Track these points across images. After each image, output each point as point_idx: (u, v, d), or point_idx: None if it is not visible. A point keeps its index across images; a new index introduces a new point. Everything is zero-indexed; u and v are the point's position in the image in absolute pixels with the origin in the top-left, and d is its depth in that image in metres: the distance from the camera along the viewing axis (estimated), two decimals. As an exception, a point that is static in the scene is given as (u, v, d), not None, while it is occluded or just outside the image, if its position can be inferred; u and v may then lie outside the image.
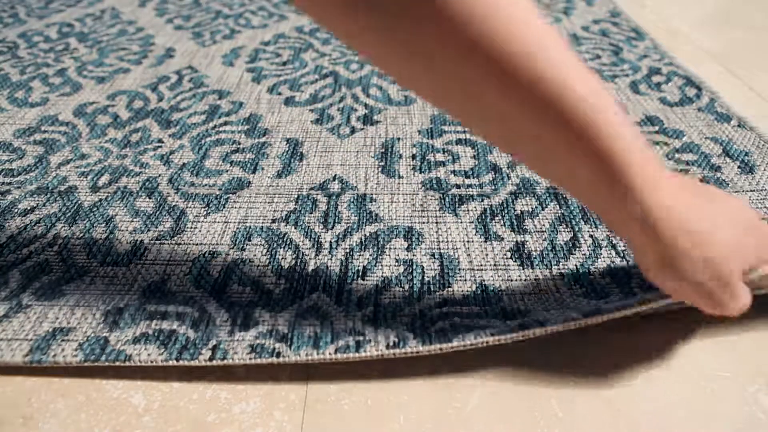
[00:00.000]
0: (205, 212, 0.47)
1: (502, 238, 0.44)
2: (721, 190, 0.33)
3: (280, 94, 0.66)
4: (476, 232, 0.44)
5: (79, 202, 0.48)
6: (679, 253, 0.29)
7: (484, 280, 0.40)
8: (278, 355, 0.33)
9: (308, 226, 0.45)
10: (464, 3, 0.25)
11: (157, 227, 0.45)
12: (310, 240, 0.44)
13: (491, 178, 0.50)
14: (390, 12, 0.25)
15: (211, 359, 0.33)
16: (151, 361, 0.33)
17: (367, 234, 0.44)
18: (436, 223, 0.45)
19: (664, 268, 0.30)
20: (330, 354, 0.33)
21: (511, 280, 0.40)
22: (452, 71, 0.27)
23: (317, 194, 0.49)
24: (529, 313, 0.36)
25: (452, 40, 0.26)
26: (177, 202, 0.48)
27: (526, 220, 0.45)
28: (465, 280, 0.40)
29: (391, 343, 0.33)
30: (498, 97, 0.27)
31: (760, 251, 0.32)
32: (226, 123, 0.60)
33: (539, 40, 0.26)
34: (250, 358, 0.33)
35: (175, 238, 0.44)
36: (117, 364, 0.34)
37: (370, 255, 0.42)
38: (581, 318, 0.34)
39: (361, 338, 0.34)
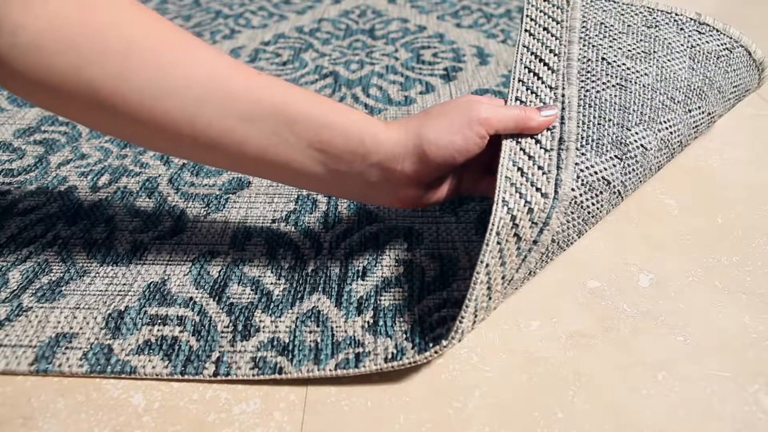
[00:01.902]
0: (205, 212, 0.47)
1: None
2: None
3: (280, 94, 0.66)
4: (476, 232, 0.44)
5: (79, 202, 0.48)
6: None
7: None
8: (280, 370, 0.33)
9: (308, 227, 0.45)
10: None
11: (157, 227, 0.45)
12: (309, 240, 0.44)
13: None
14: None
15: (215, 374, 0.33)
16: (156, 375, 0.33)
17: (367, 234, 0.44)
18: (436, 223, 0.45)
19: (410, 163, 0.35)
20: (330, 370, 0.33)
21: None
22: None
23: (317, 194, 0.49)
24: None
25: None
26: (177, 202, 0.48)
27: (526, 220, 0.45)
28: (464, 279, 0.40)
29: (390, 356, 0.33)
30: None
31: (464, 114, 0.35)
32: (226, 123, 0.60)
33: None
34: (254, 374, 0.33)
35: (175, 238, 0.44)
36: (123, 377, 0.34)
37: (370, 255, 0.42)
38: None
39: (360, 350, 0.34)
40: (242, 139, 0.31)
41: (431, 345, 0.33)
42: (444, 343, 0.31)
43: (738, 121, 0.59)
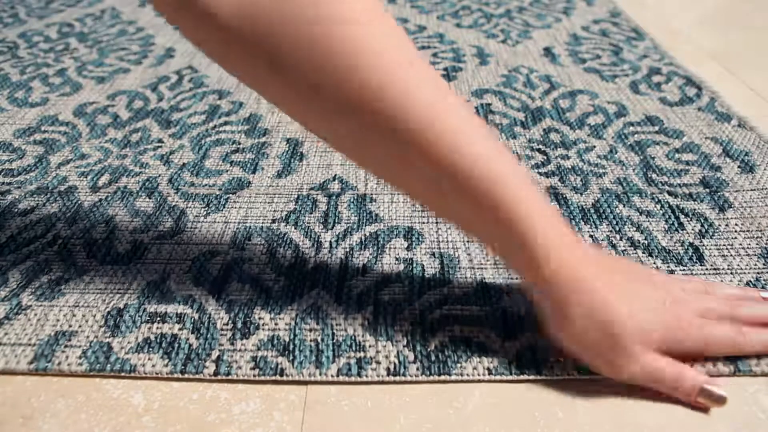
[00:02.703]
0: (205, 212, 0.47)
1: (502, 238, 0.43)
2: (641, 266, 0.35)
3: (280, 94, 0.66)
4: (476, 232, 0.44)
5: (79, 202, 0.48)
6: (569, 311, 0.30)
7: (484, 278, 0.40)
8: (281, 372, 0.33)
9: (308, 226, 0.45)
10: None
11: (157, 227, 0.45)
12: (310, 240, 0.44)
13: (491, 178, 0.50)
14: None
15: (215, 374, 0.33)
16: (156, 373, 0.34)
17: (367, 234, 0.44)
18: (436, 222, 0.45)
19: (559, 326, 0.31)
20: (332, 376, 0.33)
21: (512, 279, 0.40)
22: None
23: (317, 194, 0.49)
24: (527, 327, 0.36)
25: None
26: (177, 202, 0.48)
27: (526, 220, 0.45)
28: (465, 278, 0.40)
29: (392, 368, 0.34)
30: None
31: (676, 325, 0.31)
32: (226, 123, 0.60)
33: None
34: (254, 375, 0.33)
35: (175, 238, 0.44)
36: (122, 375, 0.34)
37: (370, 255, 0.42)
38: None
39: (361, 355, 0.34)
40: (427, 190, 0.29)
41: (433, 358, 0.34)
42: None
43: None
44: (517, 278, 0.39)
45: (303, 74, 0.26)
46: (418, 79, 0.27)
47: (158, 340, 0.35)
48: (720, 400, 0.31)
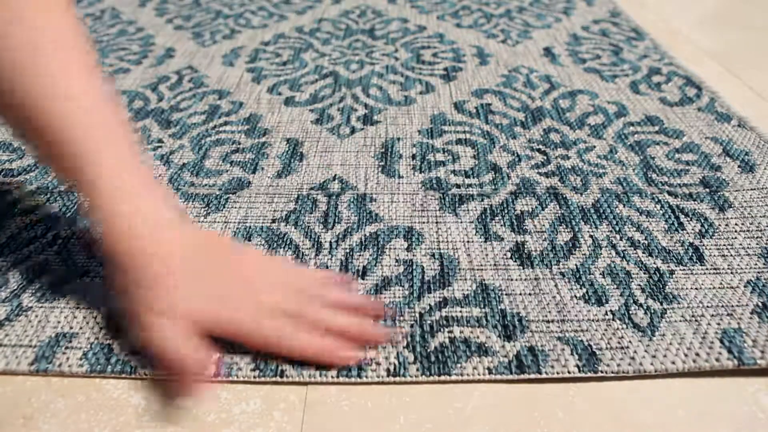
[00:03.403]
0: (205, 212, 0.47)
1: (502, 238, 0.43)
2: (235, 253, 0.37)
3: (280, 94, 0.66)
4: (476, 232, 0.44)
5: (79, 202, 0.48)
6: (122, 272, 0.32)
7: (484, 279, 0.40)
8: (282, 373, 0.33)
9: (308, 226, 0.45)
10: None
11: (157, 227, 0.45)
12: (310, 240, 0.44)
13: (491, 178, 0.50)
14: None
15: (215, 375, 0.33)
16: (156, 374, 0.33)
17: (367, 234, 0.44)
18: (436, 223, 0.45)
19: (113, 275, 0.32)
20: (332, 377, 0.33)
21: (512, 280, 0.40)
22: None
23: (317, 194, 0.49)
24: (527, 327, 0.36)
25: None
26: (177, 202, 0.48)
27: (526, 220, 0.45)
28: (465, 279, 0.40)
29: (392, 368, 0.34)
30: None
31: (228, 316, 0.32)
32: (226, 123, 0.60)
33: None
34: (254, 376, 0.33)
35: (175, 238, 0.44)
36: (123, 376, 0.34)
37: (370, 255, 0.42)
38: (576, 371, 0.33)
39: (362, 356, 0.34)
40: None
41: (433, 359, 0.34)
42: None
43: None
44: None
45: None
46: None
47: (158, 341, 0.35)
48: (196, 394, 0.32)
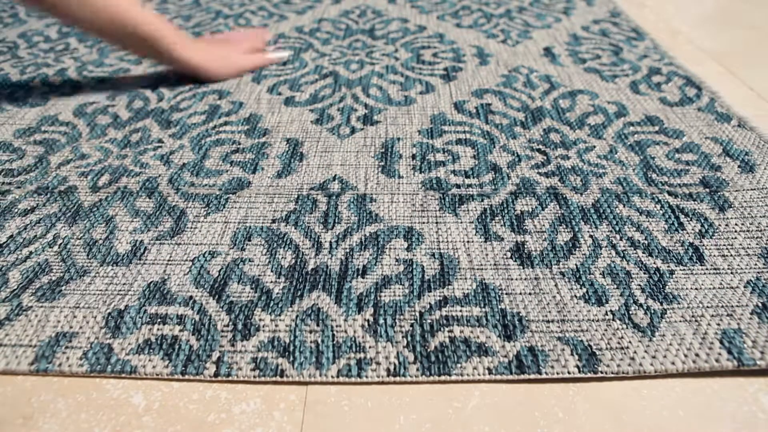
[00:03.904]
0: (205, 212, 0.47)
1: (502, 238, 0.44)
2: (221, 41, 0.73)
3: (280, 94, 0.66)
4: (476, 232, 0.44)
5: (79, 202, 0.48)
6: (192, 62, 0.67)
7: (484, 279, 0.40)
8: (281, 373, 0.33)
9: (308, 226, 0.45)
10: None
11: (157, 227, 0.45)
12: (310, 240, 0.44)
13: (491, 178, 0.50)
14: None
15: (216, 375, 0.33)
16: (157, 374, 0.34)
17: (367, 234, 0.44)
18: (436, 223, 0.45)
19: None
20: (332, 377, 0.33)
21: (512, 279, 0.40)
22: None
23: (317, 194, 0.49)
24: (527, 327, 0.36)
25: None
26: (177, 202, 0.48)
27: (526, 220, 0.45)
28: (465, 279, 0.40)
29: (392, 368, 0.34)
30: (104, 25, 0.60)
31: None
32: (226, 123, 0.60)
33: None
34: (254, 376, 0.33)
35: (175, 238, 0.44)
36: (123, 376, 0.34)
37: (370, 255, 0.42)
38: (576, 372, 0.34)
39: (361, 356, 0.34)
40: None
41: (433, 359, 0.34)
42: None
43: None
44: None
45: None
46: None
47: (159, 342, 0.35)
48: (282, 58, 0.74)
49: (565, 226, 0.44)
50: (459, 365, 0.34)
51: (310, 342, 0.35)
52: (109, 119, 0.61)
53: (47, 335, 0.36)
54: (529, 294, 0.39)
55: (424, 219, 0.46)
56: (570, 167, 0.51)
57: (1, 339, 0.36)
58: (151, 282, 0.40)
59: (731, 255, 0.41)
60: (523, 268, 0.41)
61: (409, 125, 0.59)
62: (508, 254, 0.42)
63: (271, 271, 0.41)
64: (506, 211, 0.46)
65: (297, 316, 0.37)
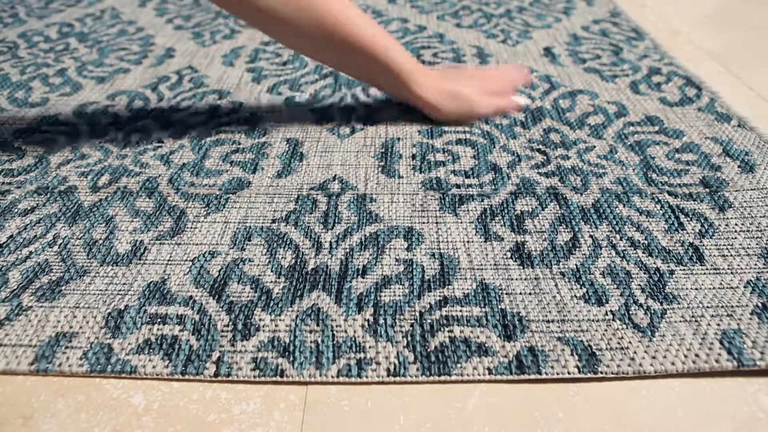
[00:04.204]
0: (205, 212, 0.47)
1: (502, 238, 0.44)
2: (458, 70, 0.63)
3: (280, 94, 0.66)
4: (476, 232, 0.44)
5: (79, 202, 0.48)
6: (429, 96, 0.57)
7: (484, 279, 0.40)
8: (282, 373, 0.33)
9: (308, 226, 0.45)
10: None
11: (157, 227, 0.45)
12: (310, 240, 0.44)
13: (491, 178, 0.50)
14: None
15: (216, 375, 0.33)
16: (157, 374, 0.34)
17: (367, 234, 0.44)
18: (436, 223, 0.45)
19: (423, 98, 0.57)
20: (332, 377, 0.33)
21: (512, 279, 0.40)
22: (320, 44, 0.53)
23: (317, 194, 0.49)
24: (527, 327, 0.36)
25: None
26: (177, 202, 0.48)
27: (526, 220, 0.45)
28: (465, 279, 0.40)
29: (392, 368, 0.34)
30: (342, 53, 0.53)
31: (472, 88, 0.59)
32: (226, 123, 0.60)
33: (356, 22, 0.51)
34: (254, 376, 0.33)
35: (175, 238, 0.44)
36: (123, 376, 0.34)
37: (370, 255, 0.42)
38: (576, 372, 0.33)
39: (362, 356, 0.34)
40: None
41: (433, 359, 0.34)
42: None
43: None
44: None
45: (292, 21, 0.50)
46: (354, 14, 0.52)
47: (159, 342, 0.35)
48: (521, 106, 0.61)
49: (565, 226, 0.44)
50: (459, 365, 0.34)
51: (310, 342, 0.35)
52: (109, 119, 0.61)
53: (47, 335, 0.36)
54: (529, 294, 0.39)
55: (424, 219, 0.46)
56: (570, 167, 0.51)
57: (1, 339, 0.36)
58: (151, 282, 0.40)
59: (731, 255, 0.41)
60: (523, 268, 0.41)
61: (409, 125, 0.59)
62: (508, 254, 0.42)
63: (271, 271, 0.41)
64: (506, 211, 0.46)
65: (297, 316, 0.37)
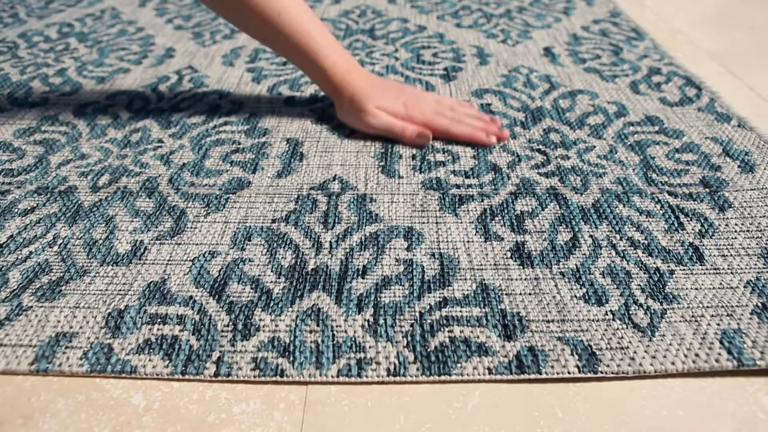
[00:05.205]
0: (205, 212, 0.47)
1: (502, 238, 0.44)
2: (402, 85, 0.60)
3: (280, 94, 0.66)
4: (476, 232, 0.44)
5: (79, 202, 0.48)
6: (344, 100, 0.57)
7: (484, 279, 0.40)
8: (282, 373, 0.33)
9: (308, 226, 0.45)
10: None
11: (157, 227, 0.45)
12: (310, 240, 0.44)
13: (491, 178, 0.50)
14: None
15: (216, 375, 0.33)
16: (157, 374, 0.34)
17: (367, 234, 0.44)
18: (436, 223, 0.45)
19: (339, 109, 0.58)
20: (332, 376, 0.33)
21: (512, 279, 0.40)
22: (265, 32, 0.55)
23: (317, 194, 0.49)
24: (527, 327, 0.36)
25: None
26: (177, 202, 0.48)
27: (526, 220, 0.45)
28: (465, 279, 0.40)
29: (392, 368, 0.34)
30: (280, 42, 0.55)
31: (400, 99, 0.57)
32: (226, 123, 0.60)
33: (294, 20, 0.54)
34: (255, 376, 0.33)
35: (175, 238, 0.44)
36: (123, 376, 0.34)
37: (370, 255, 0.42)
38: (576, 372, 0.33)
39: (362, 356, 0.34)
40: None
41: (433, 358, 0.34)
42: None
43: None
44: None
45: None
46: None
47: (159, 342, 0.35)
48: (427, 138, 0.54)
49: (565, 226, 0.44)
50: (459, 365, 0.34)
51: (310, 342, 0.35)
52: (109, 119, 0.61)
53: (47, 335, 0.36)
54: (529, 294, 0.39)
55: (424, 219, 0.46)
56: (570, 167, 0.51)
57: (1, 339, 0.36)
58: (151, 282, 0.40)
59: (731, 255, 0.41)
60: (523, 268, 0.41)
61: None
62: (508, 254, 0.42)
63: (271, 271, 0.41)
64: (506, 211, 0.46)
65: (297, 316, 0.37)
